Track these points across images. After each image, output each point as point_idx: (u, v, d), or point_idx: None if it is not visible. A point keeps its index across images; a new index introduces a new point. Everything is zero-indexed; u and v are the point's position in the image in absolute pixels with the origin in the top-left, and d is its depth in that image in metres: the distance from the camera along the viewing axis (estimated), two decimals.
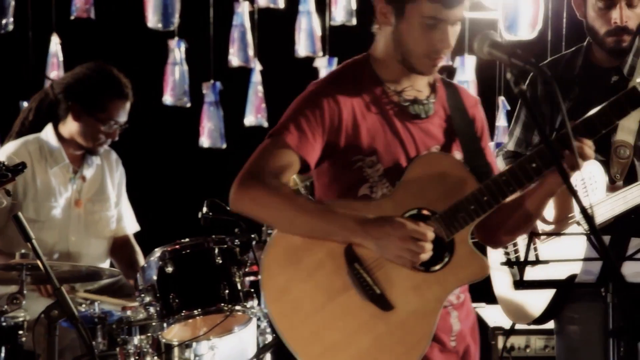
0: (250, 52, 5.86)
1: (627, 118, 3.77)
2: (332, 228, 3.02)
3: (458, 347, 3.18)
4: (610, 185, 3.80)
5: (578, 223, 3.81)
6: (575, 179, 3.88)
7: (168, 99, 5.91)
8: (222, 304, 4.24)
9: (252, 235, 4.44)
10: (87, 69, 4.86)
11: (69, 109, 4.81)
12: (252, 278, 4.58)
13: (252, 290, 4.31)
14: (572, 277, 3.50)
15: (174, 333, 4.40)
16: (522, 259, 3.94)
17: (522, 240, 3.99)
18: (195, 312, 4.24)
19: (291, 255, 3.06)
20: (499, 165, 4.11)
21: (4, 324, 4.31)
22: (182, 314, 4.23)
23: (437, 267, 3.05)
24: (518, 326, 4.48)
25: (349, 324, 3.03)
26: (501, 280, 4.08)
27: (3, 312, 4.18)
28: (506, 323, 4.93)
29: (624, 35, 3.87)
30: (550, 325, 4.13)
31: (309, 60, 5.84)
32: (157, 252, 4.31)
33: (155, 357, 4.38)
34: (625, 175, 3.84)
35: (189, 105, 5.94)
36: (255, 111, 5.96)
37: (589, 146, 3.04)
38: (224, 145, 5.97)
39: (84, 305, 4.50)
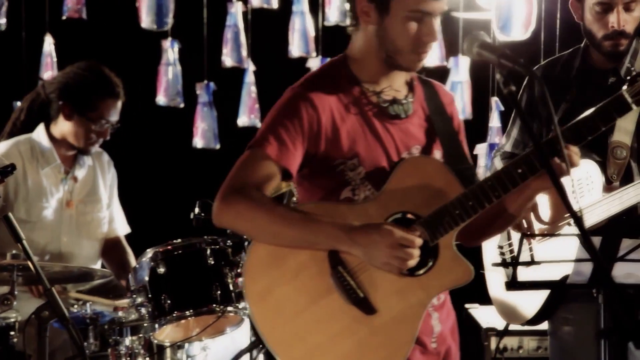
0: (244, 52, 5.85)
1: (624, 119, 3.79)
2: (318, 238, 3.01)
3: (439, 348, 3.17)
4: (607, 186, 3.80)
5: (571, 224, 3.82)
6: (568, 180, 3.89)
7: (161, 99, 5.89)
8: (214, 305, 4.23)
9: (244, 236, 4.43)
10: (78, 68, 4.85)
11: (60, 109, 4.80)
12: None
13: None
14: (565, 278, 3.49)
15: (166, 334, 4.39)
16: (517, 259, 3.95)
17: (518, 241, 3.99)
18: (187, 313, 4.23)
19: (274, 257, 3.04)
20: (496, 165, 4.11)
21: None
22: (174, 314, 4.23)
23: (421, 271, 3.04)
24: (511, 327, 4.49)
25: (331, 327, 3.02)
26: (496, 281, 4.08)
27: None
28: (499, 324, 4.93)
29: (621, 39, 3.87)
30: (543, 326, 4.13)
31: (303, 60, 5.83)
32: (149, 252, 4.30)
33: (147, 358, 4.38)
34: (621, 176, 3.84)
35: (182, 105, 5.92)
36: (248, 112, 5.95)
37: (575, 152, 3.04)
38: (218, 146, 5.96)
39: (75, 306, 4.49)
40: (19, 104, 5.10)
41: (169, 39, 5.80)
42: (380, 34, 3.10)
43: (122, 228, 5.09)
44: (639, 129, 3.86)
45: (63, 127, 4.82)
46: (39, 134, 4.84)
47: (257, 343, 4.51)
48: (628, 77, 3.08)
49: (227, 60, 5.86)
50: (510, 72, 2.82)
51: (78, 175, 4.90)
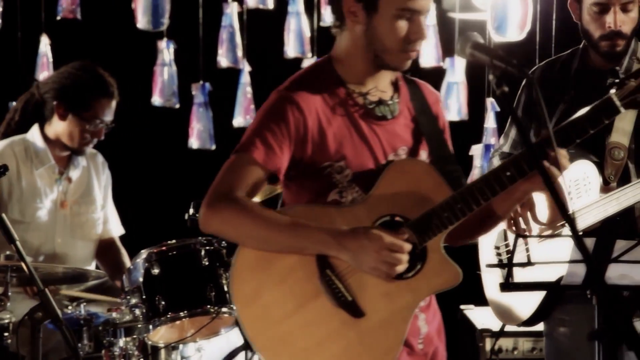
0: (239, 53, 5.84)
1: (622, 120, 3.80)
2: (306, 243, 2.99)
3: (426, 349, 3.17)
4: (604, 187, 3.80)
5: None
6: (562, 181, 3.90)
7: (157, 100, 5.89)
8: (209, 306, 4.22)
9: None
10: (72, 68, 4.85)
11: (54, 109, 4.79)
12: None
13: None
14: (560, 280, 3.49)
15: (160, 335, 4.38)
16: (514, 260, 3.94)
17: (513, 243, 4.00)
18: (182, 314, 4.22)
19: (262, 261, 3.03)
20: (495, 166, 4.10)
21: None
22: (168, 315, 4.22)
23: (410, 274, 3.03)
24: (506, 328, 4.48)
25: (319, 330, 3.01)
26: (492, 282, 4.08)
27: None
28: (494, 325, 4.93)
29: (618, 39, 3.88)
30: (538, 327, 4.13)
31: (298, 61, 5.83)
32: (143, 253, 4.30)
33: (142, 359, 4.37)
34: (619, 176, 3.84)
35: (178, 106, 5.92)
36: (244, 112, 5.94)
37: (563, 156, 3.03)
38: (213, 146, 5.95)
39: (70, 307, 4.48)
40: (14, 104, 5.09)
41: (165, 39, 5.80)
42: (368, 34, 3.08)
43: (116, 229, 5.08)
44: (636, 130, 3.86)
45: (57, 127, 4.81)
46: (33, 134, 4.84)
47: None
48: (616, 80, 3.07)
49: (223, 60, 5.85)
50: (504, 73, 2.81)
51: (72, 176, 4.89)
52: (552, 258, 3.52)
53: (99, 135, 4.83)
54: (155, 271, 4.25)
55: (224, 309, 4.22)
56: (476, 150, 5.66)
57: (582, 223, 3.79)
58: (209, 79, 5.93)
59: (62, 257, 4.82)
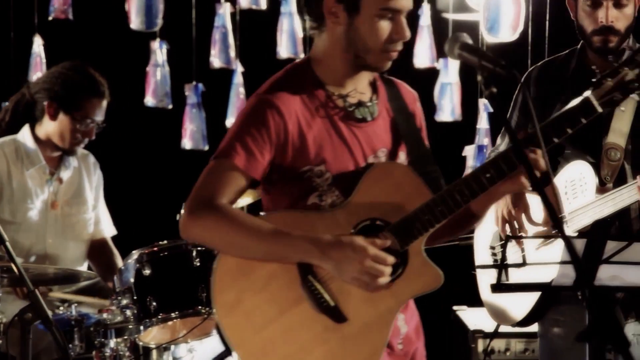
0: (232, 53, 5.83)
1: (619, 120, 3.80)
2: (288, 252, 2.98)
3: (405, 349, 3.16)
4: (600, 187, 3.81)
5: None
6: (561, 182, 3.90)
7: (150, 100, 5.88)
8: (200, 307, 4.22)
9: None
10: (62, 68, 4.85)
11: (45, 109, 4.79)
12: None
13: None
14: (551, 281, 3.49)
15: (152, 336, 4.38)
16: (509, 261, 3.94)
17: (510, 244, 3.99)
18: (173, 314, 4.22)
19: (243, 268, 3.01)
20: None
21: None
22: (160, 316, 4.22)
23: (391, 278, 3.01)
24: (500, 329, 4.47)
25: (302, 336, 2.99)
26: (487, 283, 4.07)
27: None
28: (486, 326, 4.93)
29: (610, 35, 3.87)
30: (530, 328, 4.13)
31: (291, 61, 5.79)
32: (135, 254, 4.29)
33: None
34: (615, 177, 3.84)
35: (170, 106, 5.91)
36: (237, 113, 5.93)
37: (540, 156, 3.01)
38: (206, 147, 5.95)
39: (61, 308, 4.47)
40: (5, 104, 5.09)
41: (158, 40, 5.79)
42: (349, 34, 3.05)
43: (108, 229, 5.08)
44: (633, 131, 3.86)
45: (48, 127, 4.81)
46: (24, 135, 4.83)
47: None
48: (593, 80, 3.07)
49: (216, 61, 5.85)
50: (492, 73, 2.81)
51: (63, 177, 4.88)
52: (547, 259, 3.51)
53: (90, 135, 4.82)
54: (147, 272, 4.25)
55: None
56: (469, 151, 5.66)
57: (578, 224, 3.79)
58: (201, 79, 5.93)
59: (53, 258, 4.82)
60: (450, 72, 5.82)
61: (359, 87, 3.14)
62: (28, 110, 4.85)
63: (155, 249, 4.29)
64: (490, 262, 4.06)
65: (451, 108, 5.80)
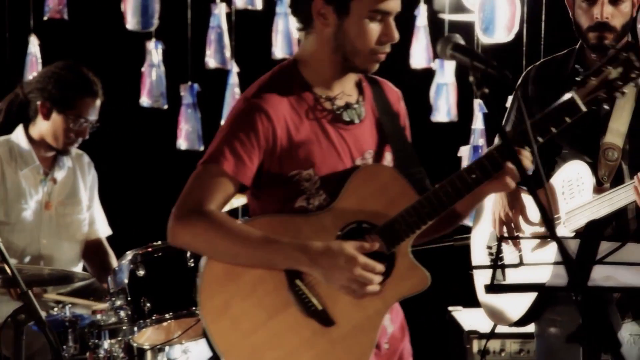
0: (227, 53, 5.83)
1: (616, 120, 3.80)
2: (278, 259, 2.97)
3: (392, 348, 3.16)
4: (597, 187, 3.81)
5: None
6: (558, 182, 3.90)
7: (145, 100, 5.87)
8: (194, 308, 4.21)
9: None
10: (55, 67, 4.85)
11: (38, 109, 4.79)
12: None
13: None
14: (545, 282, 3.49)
15: (147, 337, 4.38)
16: (506, 262, 3.94)
17: (507, 245, 3.99)
18: (167, 315, 4.23)
19: (230, 273, 3.00)
20: None
21: None
22: (154, 317, 4.22)
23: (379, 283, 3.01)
24: (497, 329, 4.47)
25: (290, 341, 2.99)
26: (483, 283, 4.06)
27: None
28: (481, 326, 4.92)
29: (605, 31, 3.87)
30: (525, 329, 4.13)
31: None
32: (129, 255, 4.30)
33: None
34: (612, 177, 3.84)
35: (166, 107, 5.90)
36: None
37: (526, 157, 3.02)
38: (202, 148, 5.93)
39: (55, 309, 4.47)
40: None
41: (153, 40, 5.79)
42: (338, 36, 3.04)
43: (103, 230, 5.07)
44: (631, 131, 3.86)
45: (41, 127, 4.81)
46: (18, 135, 4.83)
47: None
48: (577, 79, 3.06)
49: (211, 61, 5.84)
50: (484, 74, 2.80)
51: (57, 177, 4.88)
52: (544, 259, 3.51)
53: (83, 135, 4.82)
54: (141, 272, 4.25)
55: None
56: (464, 151, 5.65)
57: (575, 224, 3.80)
58: (197, 79, 5.92)
59: (47, 258, 4.82)
60: (446, 73, 5.80)
61: (346, 88, 3.14)
62: (22, 110, 4.85)
63: (150, 249, 4.29)
64: (487, 262, 4.06)
65: (447, 109, 5.79)
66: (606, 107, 3.85)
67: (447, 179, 3.04)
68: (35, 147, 4.83)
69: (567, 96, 3.04)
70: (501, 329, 4.44)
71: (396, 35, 3.04)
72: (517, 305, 3.95)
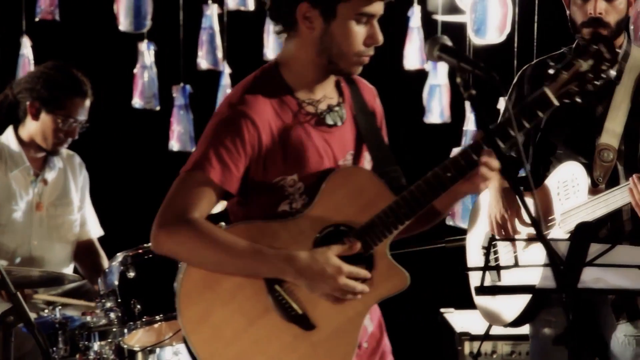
0: (219, 55, 5.84)
1: (612, 121, 3.80)
2: (262, 269, 2.96)
3: (372, 346, 3.16)
4: (593, 188, 3.81)
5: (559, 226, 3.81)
6: (554, 183, 3.89)
7: (137, 102, 5.88)
8: None
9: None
10: (44, 67, 4.84)
11: (27, 109, 4.77)
12: None
13: None
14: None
15: (137, 338, 4.36)
16: (502, 263, 3.94)
17: (502, 246, 3.99)
18: (157, 317, 4.20)
19: (209, 280, 2.98)
20: None
21: None
22: (144, 319, 4.20)
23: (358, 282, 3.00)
24: (491, 331, 4.47)
25: (272, 346, 2.98)
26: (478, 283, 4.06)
27: None
28: (473, 328, 4.92)
29: (599, 27, 3.85)
30: (517, 331, 4.13)
31: None
32: (119, 256, 4.28)
33: None
34: (607, 178, 3.84)
35: (158, 108, 5.91)
36: None
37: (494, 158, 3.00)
38: (194, 149, 5.93)
39: (46, 311, 4.45)
40: None
41: (145, 41, 5.79)
42: (324, 40, 3.01)
43: (94, 231, 5.06)
44: (626, 132, 3.86)
45: (31, 127, 4.79)
46: (8, 136, 4.82)
47: None
48: (549, 73, 3.05)
49: (203, 62, 5.85)
50: (472, 75, 2.80)
51: (48, 178, 4.87)
52: (539, 261, 3.50)
53: (72, 135, 4.80)
54: (131, 274, 4.23)
55: None
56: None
57: (570, 225, 3.79)
58: (189, 81, 5.93)
59: (38, 260, 4.80)
60: (439, 74, 5.81)
61: (327, 91, 3.12)
62: (11, 111, 4.83)
63: (140, 251, 4.27)
64: (482, 264, 4.05)
65: (440, 110, 5.79)
66: (601, 107, 3.85)
67: (423, 177, 3.03)
68: (25, 148, 4.81)
69: (539, 90, 3.03)
70: (493, 330, 4.44)
71: (381, 38, 3.03)
72: (512, 306, 3.95)
